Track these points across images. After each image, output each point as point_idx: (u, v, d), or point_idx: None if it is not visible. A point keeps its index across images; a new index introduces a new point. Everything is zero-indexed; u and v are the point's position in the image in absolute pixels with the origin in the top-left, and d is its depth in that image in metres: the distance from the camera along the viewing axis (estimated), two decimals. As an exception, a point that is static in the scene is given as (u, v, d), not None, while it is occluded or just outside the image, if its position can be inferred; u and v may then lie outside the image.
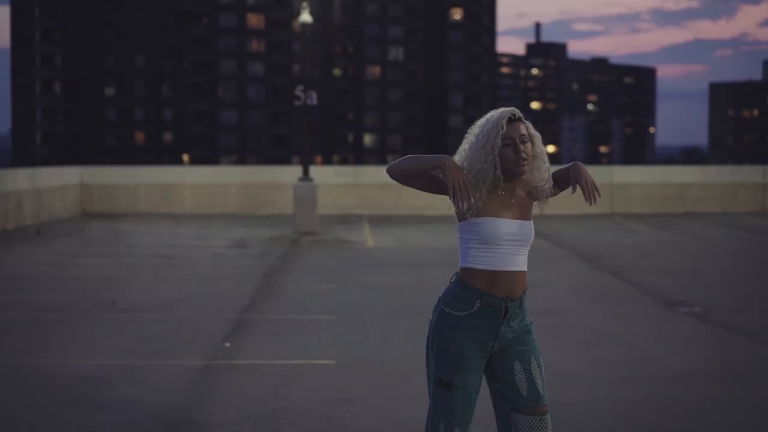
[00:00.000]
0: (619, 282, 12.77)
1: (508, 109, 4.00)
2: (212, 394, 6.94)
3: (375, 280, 13.00)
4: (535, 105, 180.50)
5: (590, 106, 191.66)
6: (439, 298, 4.02)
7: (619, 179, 23.45)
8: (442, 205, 23.42)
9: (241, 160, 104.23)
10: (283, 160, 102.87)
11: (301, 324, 9.73)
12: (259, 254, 15.96)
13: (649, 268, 14.06)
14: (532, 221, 4.00)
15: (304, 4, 19.06)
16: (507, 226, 3.90)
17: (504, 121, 3.95)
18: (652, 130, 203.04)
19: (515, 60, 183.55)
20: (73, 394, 6.90)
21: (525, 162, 3.93)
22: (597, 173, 24.13)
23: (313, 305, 10.94)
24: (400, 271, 13.83)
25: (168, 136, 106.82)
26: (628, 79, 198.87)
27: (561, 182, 4.13)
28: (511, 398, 3.97)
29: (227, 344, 8.68)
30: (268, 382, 7.28)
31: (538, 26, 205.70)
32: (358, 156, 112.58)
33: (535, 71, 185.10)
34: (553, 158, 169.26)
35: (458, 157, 4.04)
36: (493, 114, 4.02)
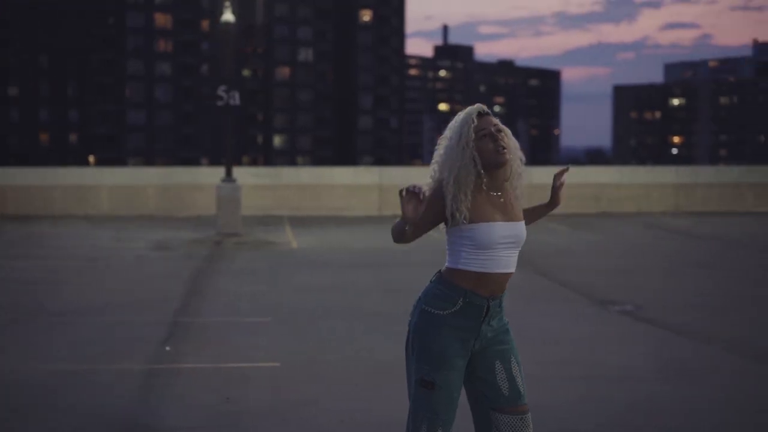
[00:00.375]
0: (550, 282, 12.89)
1: (476, 105, 4.02)
2: (163, 398, 6.81)
3: (305, 281, 12.91)
4: (443, 107, 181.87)
5: (497, 108, 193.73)
6: (419, 298, 3.98)
7: (537, 180, 23.65)
8: (361, 206, 23.43)
9: (150, 162, 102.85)
10: (191, 161, 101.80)
11: (238, 326, 9.61)
12: (184, 256, 15.74)
13: (577, 268, 14.23)
14: (523, 222, 3.99)
15: (227, 3, 18.86)
16: (501, 229, 3.88)
17: (474, 116, 3.96)
18: (556, 132, 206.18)
19: (423, 62, 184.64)
20: (19, 402, 6.69)
21: (505, 150, 3.92)
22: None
23: (247, 307, 10.83)
24: (328, 272, 13.76)
25: (73, 137, 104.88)
26: (533, 82, 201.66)
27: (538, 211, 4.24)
28: (492, 398, 3.95)
29: (168, 348, 8.53)
30: (216, 385, 7.16)
31: (445, 28, 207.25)
32: (268, 157, 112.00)
33: (443, 73, 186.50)
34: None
35: (435, 164, 4.02)
36: (460, 113, 4.03)
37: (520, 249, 3.96)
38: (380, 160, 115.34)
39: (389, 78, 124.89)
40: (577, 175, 24.51)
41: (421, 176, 24.21)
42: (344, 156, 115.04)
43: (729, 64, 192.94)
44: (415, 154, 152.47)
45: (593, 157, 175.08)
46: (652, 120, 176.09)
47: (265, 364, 7.87)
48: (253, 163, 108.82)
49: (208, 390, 7.02)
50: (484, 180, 3.92)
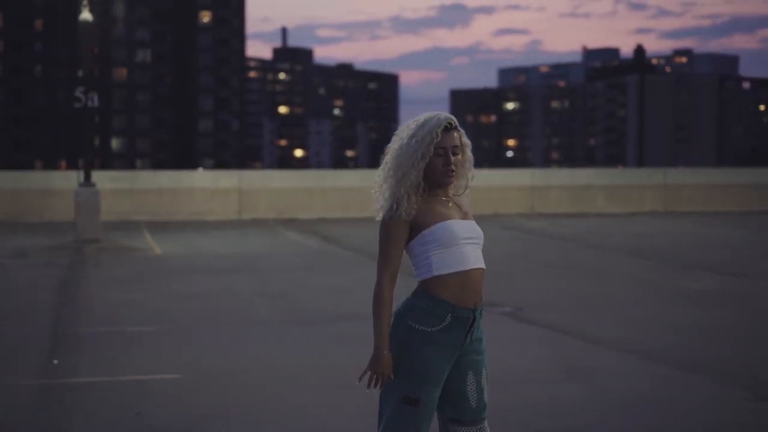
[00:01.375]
0: (424, 284, 12.94)
1: (444, 116, 3.96)
2: (68, 415, 6.52)
3: (180, 288, 12.62)
4: (283, 109, 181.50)
5: (336, 111, 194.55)
6: (400, 313, 3.89)
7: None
8: (221, 210, 23.11)
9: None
10: (26, 164, 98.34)
11: (123, 336, 9.31)
12: (45, 264, 15.16)
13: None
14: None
15: (84, 2, 18.31)
16: (459, 226, 3.87)
17: (440, 130, 3.91)
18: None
19: (263, 64, 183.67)
20: None
21: (453, 174, 3.91)
22: (373, 177, 24.44)
23: (127, 317, 10.49)
24: (201, 279, 13.49)
25: None
26: (372, 85, 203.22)
27: None
28: (458, 408, 3.90)
29: (55, 361, 8.18)
30: (120, 399, 6.90)
31: (284, 31, 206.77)
32: (105, 160, 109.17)
33: (282, 76, 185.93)
34: (302, 162, 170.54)
35: (388, 156, 3.98)
36: (429, 119, 3.97)
37: (481, 247, 3.94)
38: (221, 163, 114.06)
39: (230, 80, 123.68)
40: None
41: (281, 179, 24.02)
42: (184, 159, 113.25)
43: (560, 69, 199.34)
44: (255, 156, 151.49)
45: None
46: (488, 123, 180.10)
47: (166, 376, 7.63)
48: (90, 166, 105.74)
49: (113, 405, 6.76)
50: (425, 189, 3.91)
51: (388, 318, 3.86)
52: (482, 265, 3.89)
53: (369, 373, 3.84)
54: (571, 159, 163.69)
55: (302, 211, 23.37)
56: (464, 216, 3.93)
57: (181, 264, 15.30)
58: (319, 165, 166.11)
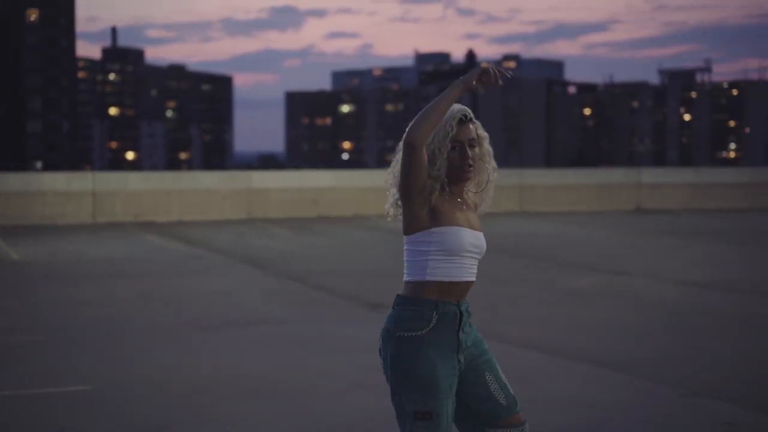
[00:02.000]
0: (308, 287, 12.72)
1: (459, 108, 3.75)
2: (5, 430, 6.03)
3: (55, 295, 12.00)
4: (113, 111, 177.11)
5: (169, 113, 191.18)
6: (388, 328, 3.67)
7: (257, 185, 23.53)
8: (74, 213, 22.24)
9: None
10: None
11: (13, 347, 8.76)
12: None
13: (326, 272, 14.15)
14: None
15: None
16: (470, 236, 3.68)
17: (455, 122, 3.72)
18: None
19: (92, 64, 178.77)
20: None
21: (471, 168, 3.73)
22: (232, 178, 24.04)
23: (11, 325, 9.90)
24: (73, 285, 12.85)
25: None
26: (205, 87, 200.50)
27: None
28: (491, 412, 3.71)
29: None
30: (39, 413, 6.43)
31: (114, 31, 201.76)
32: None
33: (112, 76, 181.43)
34: (134, 165, 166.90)
35: (400, 154, 3.78)
36: None
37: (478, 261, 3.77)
38: (51, 166, 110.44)
39: (59, 80, 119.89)
40: (295, 179, 24.55)
41: (138, 181, 23.31)
42: (13, 161, 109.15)
43: (393, 72, 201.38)
44: (87, 159, 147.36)
45: (266, 162, 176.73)
46: (323, 126, 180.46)
47: (74, 388, 7.18)
48: None
49: (34, 419, 6.30)
50: (446, 187, 3.72)
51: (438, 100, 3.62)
52: (473, 279, 3.72)
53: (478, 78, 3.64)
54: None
55: (160, 214, 22.72)
56: (473, 226, 3.73)
57: (45, 270, 14.58)
58: (153, 168, 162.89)
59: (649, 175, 27.81)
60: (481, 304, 11.23)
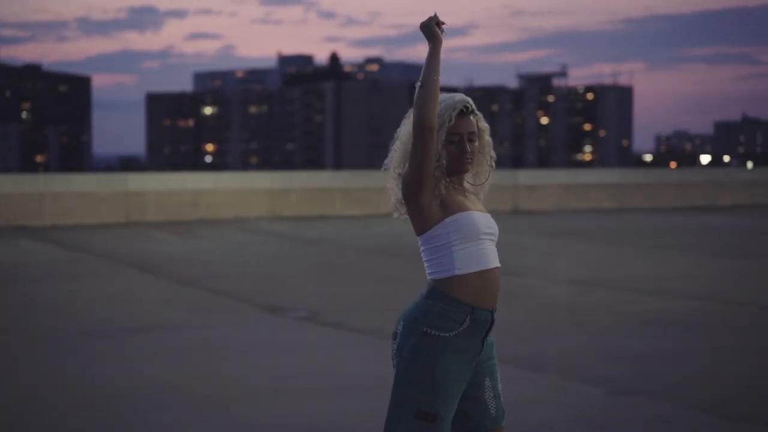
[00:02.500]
0: (203, 291, 12.48)
1: (460, 98, 3.69)
2: None
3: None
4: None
5: (24, 114, 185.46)
6: (412, 317, 3.57)
7: (134, 187, 22.98)
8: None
9: None
10: None
11: None
12: None
13: (217, 276, 13.93)
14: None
15: None
16: (482, 218, 3.64)
17: (455, 114, 3.66)
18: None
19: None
20: None
21: (469, 161, 3.69)
22: (108, 181, 23.42)
23: None
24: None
25: None
26: (62, 88, 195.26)
27: None
28: (477, 419, 3.66)
29: None
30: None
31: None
32: None
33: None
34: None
35: (398, 143, 3.73)
36: (442, 100, 3.70)
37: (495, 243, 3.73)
38: None
39: None
40: (173, 182, 24.09)
41: (6, 184, 22.47)
42: None
43: (256, 74, 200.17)
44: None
45: (127, 164, 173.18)
46: (185, 128, 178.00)
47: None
48: None
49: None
50: (446, 177, 3.68)
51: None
52: (499, 264, 3.67)
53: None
54: (269, 163, 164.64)
55: (32, 218, 21.97)
56: (482, 209, 3.71)
57: None
58: (7, 171, 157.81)
59: (526, 176, 28.34)
60: (379, 306, 11.22)
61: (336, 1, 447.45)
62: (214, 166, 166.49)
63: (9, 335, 9.49)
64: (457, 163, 3.66)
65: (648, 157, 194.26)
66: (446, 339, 3.53)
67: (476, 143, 3.71)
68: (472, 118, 3.70)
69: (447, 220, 3.57)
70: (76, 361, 8.29)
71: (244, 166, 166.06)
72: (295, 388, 7.35)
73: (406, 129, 3.69)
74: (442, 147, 3.63)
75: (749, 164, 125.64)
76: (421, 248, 3.65)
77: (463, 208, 3.61)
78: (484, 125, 3.77)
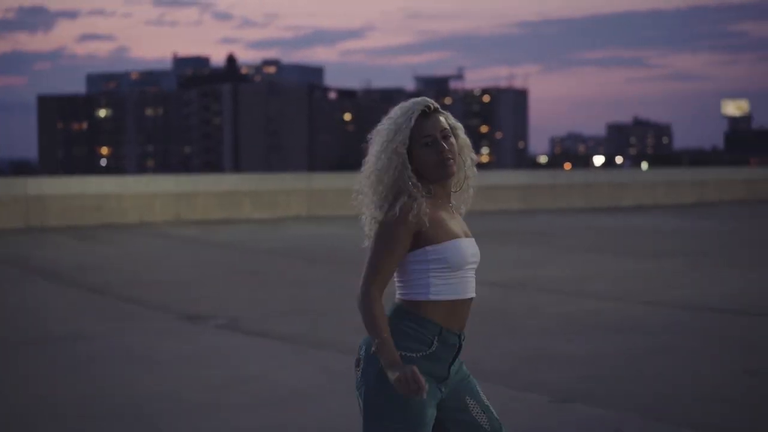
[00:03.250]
0: (113, 299, 11.97)
1: (420, 99, 3.38)
2: None
3: None
4: None
5: None
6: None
7: (33, 191, 22.15)
8: None
9: None
10: None
11: None
12: None
13: (127, 283, 13.40)
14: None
15: None
16: (469, 246, 3.34)
17: (415, 115, 3.34)
18: None
19: None
20: None
21: (451, 161, 3.34)
22: (6, 185, 22.56)
23: None
24: None
25: None
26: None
27: None
28: None
29: None
30: None
31: None
32: None
33: None
34: None
35: (366, 166, 3.40)
36: (403, 104, 3.41)
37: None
38: None
39: None
40: (75, 186, 23.30)
41: None
42: None
43: (152, 76, 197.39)
44: None
45: (18, 168, 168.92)
46: (79, 131, 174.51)
47: None
48: None
49: None
50: (431, 190, 3.36)
51: (388, 330, 3.20)
52: (474, 294, 3.39)
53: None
54: (166, 166, 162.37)
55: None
56: (467, 232, 3.40)
57: None
58: None
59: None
60: (303, 311, 10.91)
61: (232, 3, 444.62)
62: (109, 170, 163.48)
63: None
64: (439, 168, 3.32)
65: (543, 159, 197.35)
66: (413, 360, 3.24)
67: (452, 140, 3.38)
68: (440, 117, 3.38)
69: (429, 248, 3.27)
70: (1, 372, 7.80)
71: (141, 169, 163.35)
72: (228, 400, 6.98)
73: (377, 139, 3.38)
74: (413, 161, 3.32)
75: (644, 165, 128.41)
76: (400, 267, 3.34)
77: (450, 235, 3.30)
78: (457, 123, 3.45)
